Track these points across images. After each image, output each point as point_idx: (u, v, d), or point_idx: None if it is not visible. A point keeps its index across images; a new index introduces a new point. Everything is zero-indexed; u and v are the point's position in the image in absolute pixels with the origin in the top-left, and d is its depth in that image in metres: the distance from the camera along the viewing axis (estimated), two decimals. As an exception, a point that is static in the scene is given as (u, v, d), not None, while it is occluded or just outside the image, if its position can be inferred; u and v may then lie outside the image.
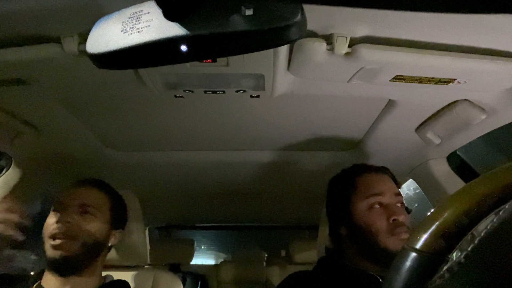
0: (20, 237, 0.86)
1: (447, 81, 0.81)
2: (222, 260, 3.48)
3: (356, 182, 1.04)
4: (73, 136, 1.19)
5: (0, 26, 0.66)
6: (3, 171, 1.26)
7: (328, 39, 0.70)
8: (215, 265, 2.85)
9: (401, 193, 1.06)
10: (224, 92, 0.87)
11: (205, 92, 0.87)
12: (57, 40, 0.69)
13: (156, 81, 0.83)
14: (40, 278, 1.02)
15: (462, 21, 0.65)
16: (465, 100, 0.94)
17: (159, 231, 2.91)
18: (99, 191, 1.09)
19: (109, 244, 1.09)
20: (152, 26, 0.36)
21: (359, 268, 0.98)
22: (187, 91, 0.87)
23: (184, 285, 2.30)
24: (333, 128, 1.19)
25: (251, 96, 0.91)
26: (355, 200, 1.00)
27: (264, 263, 2.70)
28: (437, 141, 1.11)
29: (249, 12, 0.34)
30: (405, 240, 0.38)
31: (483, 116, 0.94)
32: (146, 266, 1.50)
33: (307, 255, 2.37)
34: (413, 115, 1.06)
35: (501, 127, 0.99)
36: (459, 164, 1.28)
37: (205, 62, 0.75)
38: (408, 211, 1.03)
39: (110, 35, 0.38)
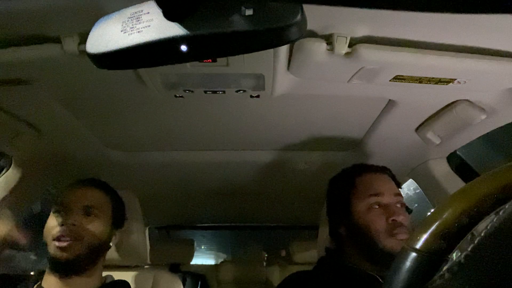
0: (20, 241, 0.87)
1: (447, 81, 0.81)
2: (222, 260, 3.48)
3: (355, 182, 1.04)
4: (73, 136, 1.19)
5: (0, 26, 0.66)
6: (3, 171, 1.25)
7: (328, 39, 0.70)
8: (215, 265, 2.84)
9: (401, 193, 1.06)
10: (224, 92, 0.87)
11: (205, 92, 0.87)
12: (57, 40, 0.69)
13: (156, 81, 0.83)
14: (41, 279, 1.02)
15: (462, 21, 0.65)
16: (465, 100, 0.94)
17: (159, 231, 2.90)
18: (100, 192, 1.09)
19: (110, 244, 1.10)
20: (152, 26, 0.36)
21: (359, 268, 0.98)
22: (187, 91, 0.87)
23: (184, 285, 2.31)
24: (333, 128, 1.19)
25: (251, 96, 0.91)
26: (354, 200, 1.01)
27: (264, 263, 2.69)
28: (437, 141, 1.11)
29: (249, 12, 0.34)
30: (405, 240, 0.38)
31: (483, 116, 0.94)
32: (146, 266, 1.50)
33: (307, 255, 2.37)
34: (413, 115, 1.06)
35: (501, 127, 0.99)
36: (459, 164, 1.28)
37: (205, 62, 0.75)
38: (408, 211, 1.03)
39: (110, 35, 0.38)
